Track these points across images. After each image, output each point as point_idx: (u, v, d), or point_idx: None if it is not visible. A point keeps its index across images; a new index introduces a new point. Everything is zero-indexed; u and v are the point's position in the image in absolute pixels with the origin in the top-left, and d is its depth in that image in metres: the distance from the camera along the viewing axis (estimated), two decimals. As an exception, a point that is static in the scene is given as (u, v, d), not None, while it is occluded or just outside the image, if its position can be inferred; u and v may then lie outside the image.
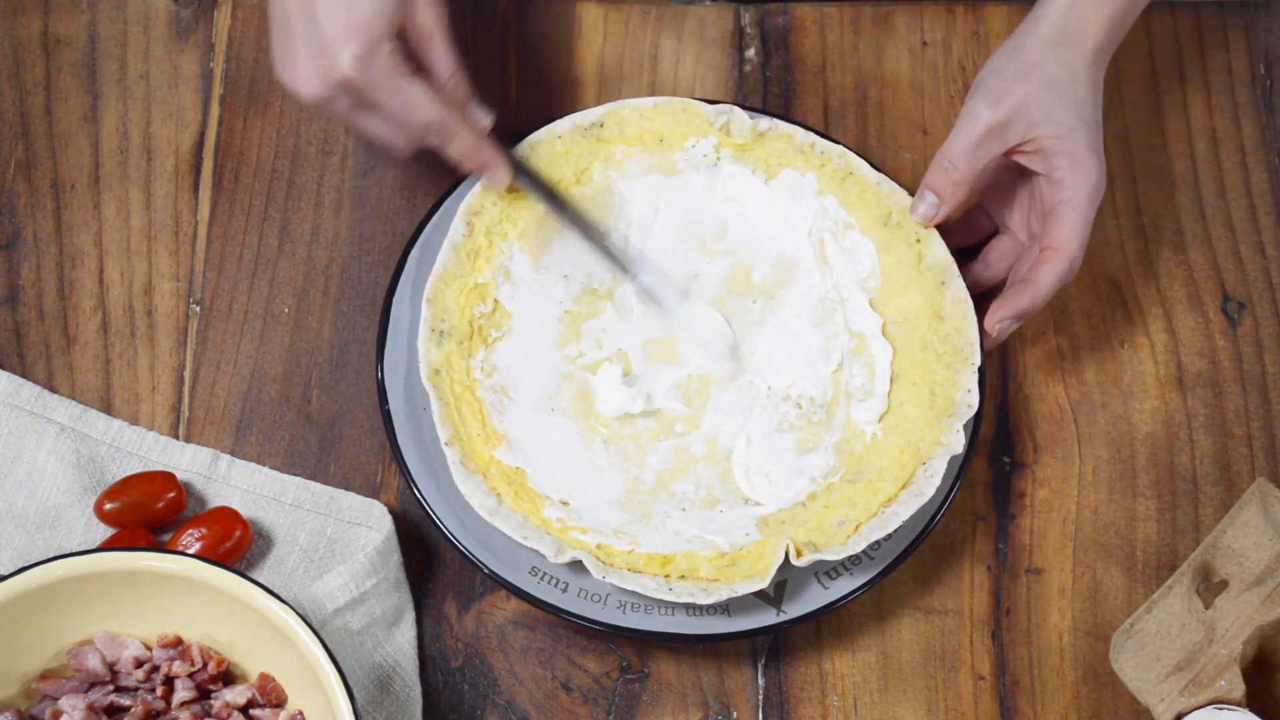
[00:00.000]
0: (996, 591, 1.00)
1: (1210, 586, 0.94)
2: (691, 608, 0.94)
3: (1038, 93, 0.97)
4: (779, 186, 1.04)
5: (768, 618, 0.94)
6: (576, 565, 0.94)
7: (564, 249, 1.03)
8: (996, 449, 1.04)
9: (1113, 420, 1.04)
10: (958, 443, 0.96)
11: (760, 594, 0.95)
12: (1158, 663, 0.91)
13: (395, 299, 1.00)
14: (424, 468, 0.96)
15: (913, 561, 1.00)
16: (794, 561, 0.92)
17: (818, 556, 0.92)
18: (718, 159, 1.05)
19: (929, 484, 0.95)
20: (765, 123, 1.04)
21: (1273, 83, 1.13)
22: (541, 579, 0.95)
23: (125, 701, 0.90)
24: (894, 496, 0.95)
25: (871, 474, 0.97)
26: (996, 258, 1.04)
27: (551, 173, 1.03)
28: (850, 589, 0.95)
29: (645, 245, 1.04)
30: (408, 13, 0.94)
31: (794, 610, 0.95)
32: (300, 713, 0.89)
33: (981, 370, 0.98)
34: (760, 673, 0.98)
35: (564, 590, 0.94)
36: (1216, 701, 0.90)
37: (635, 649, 0.98)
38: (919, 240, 1.01)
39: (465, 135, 0.97)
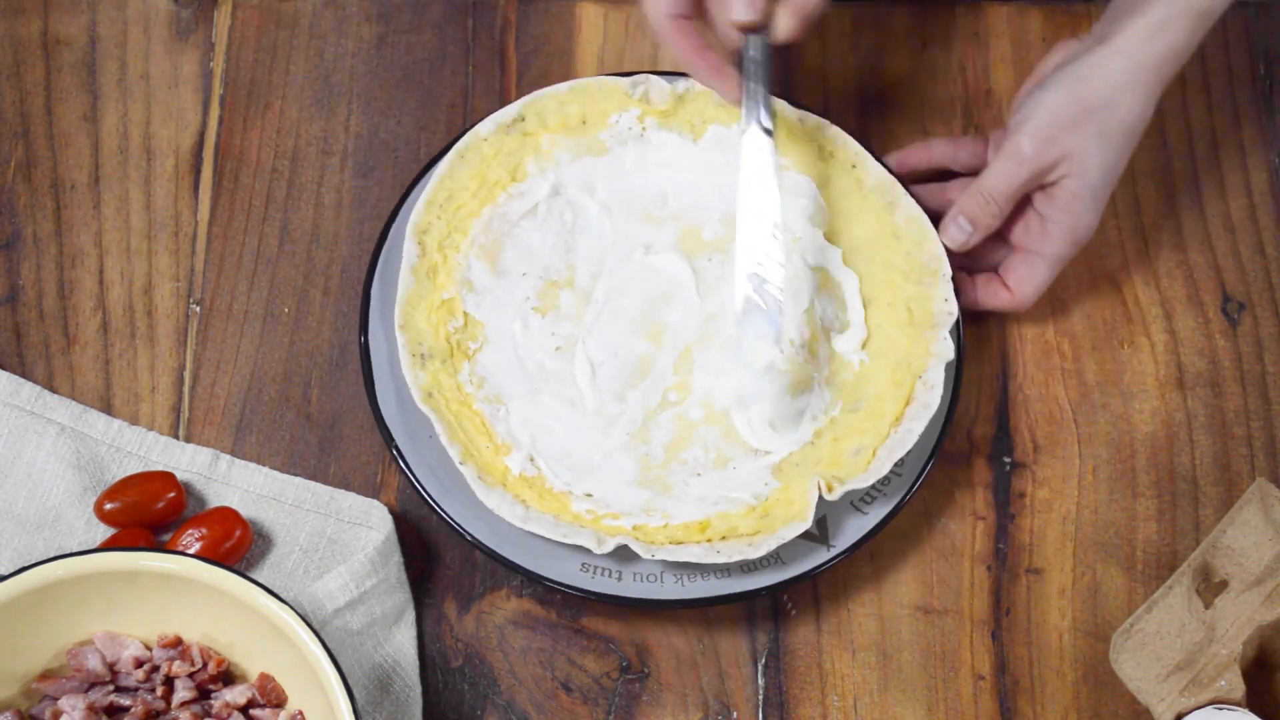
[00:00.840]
0: (996, 591, 1.00)
1: (1210, 586, 0.94)
2: (745, 565, 0.95)
3: (1085, 144, 0.97)
4: (708, 144, 1.05)
5: (820, 556, 0.95)
6: (620, 553, 0.94)
7: (515, 248, 1.03)
8: (996, 449, 1.04)
9: (1113, 420, 1.04)
10: (948, 349, 0.97)
11: (806, 536, 0.95)
12: (1158, 663, 0.91)
13: (370, 336, 1.00)
14: (439, 482, 0.97)
15: (913, 561, 1.00)
16: (826, 497, 0.94)
17: (847, 488, 0.94)
18: (643, 129, 1.05)
19: (932, 395, 0.96)
20: (683, 84, 1.05)
21: (1273, 83, 1.13)
22: (595, 573, 0.95)
23: (125, 701, 0.90)
24: (901, 414, 0.96)
25: (869, 400, 0.98)
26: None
27: (486, 174, 1.03)
28: (887, 511, 0.96)
29: (589, 226, 1.04)
30: None
31: (842, 543, 0.96)
32: (300, 713, 0.89)
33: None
34: (760, 673, 0.98)
35: (619, 579, 0.95)
36: (1216, 701, 0.90)
37: (635, 649, 0.98)
38: (854, 166, 1.02)
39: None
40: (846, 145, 1.03)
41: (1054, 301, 1.06)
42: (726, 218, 1.04)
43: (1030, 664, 0.99)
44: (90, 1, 1.11)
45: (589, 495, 0.96)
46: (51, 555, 0.95)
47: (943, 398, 0.98)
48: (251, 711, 0.90)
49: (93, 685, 0.90)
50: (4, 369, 1.01)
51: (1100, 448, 1.04)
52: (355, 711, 0.84)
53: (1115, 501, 1.02)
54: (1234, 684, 0.90)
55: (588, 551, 0.94)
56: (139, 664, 0.90)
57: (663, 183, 1.05)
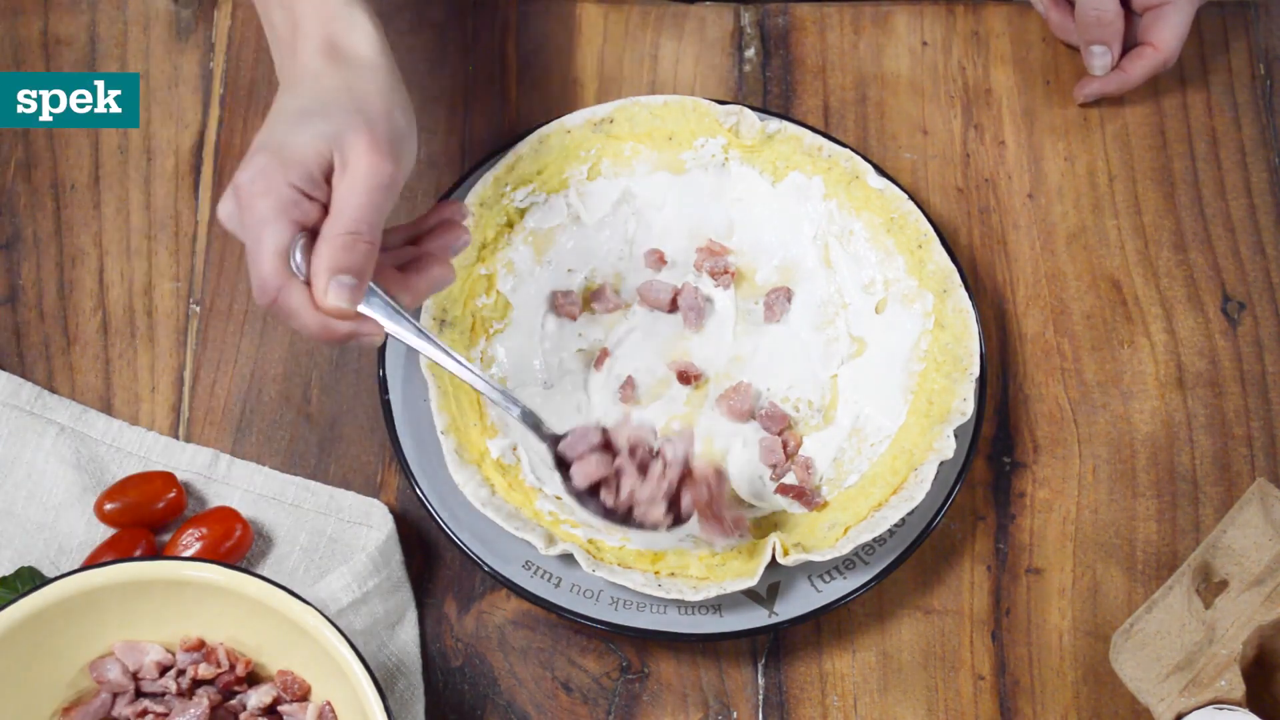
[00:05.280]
0: (996, 591, 1.00)
1: (1210, 586, 0.94)
2: (682, 605, 0.94)
3: None
4: (786, 189, 1.04)
5: (759, 618, 0.94)
6: (569, 560, 0.94)
7: (570, 244, 1.03)
8: (996, 449, 1.04)
9: (1113, 420, 1.04)
10: (948, 448, 0.96)
11: (753, 595, 0.95)
12: (1158, 663, 0.91)
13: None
14: (421, 458, 0.96)
15: (913, 561, 1.00)
16: (780, 560, 0.92)
17: (805, 557, 0.93)
18: (726, 159, 1.05)
19: (919, 489, 0.95)
20: (774, 125, 1.04)
21: (1273, 83, 1.13)
22: (535, 573, 0.95)
23: (157, 708, 0.89)
24: (884, 501, 0.95)
25: (864, 480, 0.97)
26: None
27: (562, 165, 1.03)
28: (844, 592, 0.95)
29: (651, 240, 1.04)
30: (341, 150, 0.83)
31: (786, 612, 0.95)
32: (328, 703, 0.89)
33: (983, 371, 0.98)
34: (760, 673, 0.98)
35: (557, 585, 0.95)
36: (1216, 701, 0.90)
37: (635, 649, 0.98)
38: (920, 246, 1.01)
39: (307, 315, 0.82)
40: (918, 224, 1.02)
41: (1054, 301, 1.07)
42: (784, 266, 1.04)
43: (1030, 664, 0.99)
44: (90, 1, 1.11)
45: (558, 498, 0.96)
46: (51, 555, 0.96)
47: (935, 494, 0.96)
48: (279, 708, 0.89)
49: (118, 697, 0.89)
50: (4, 369, 1.01)
51: (1100, 448, 1.04)
52: (380, 693, 0.83)
53: (1115, 501, 1.02)
54: (1234, 684, 0.90)
55: (536, 550, 0.94)
56: (163, 670, 0.89)
57: (733, 216, 1.05)
